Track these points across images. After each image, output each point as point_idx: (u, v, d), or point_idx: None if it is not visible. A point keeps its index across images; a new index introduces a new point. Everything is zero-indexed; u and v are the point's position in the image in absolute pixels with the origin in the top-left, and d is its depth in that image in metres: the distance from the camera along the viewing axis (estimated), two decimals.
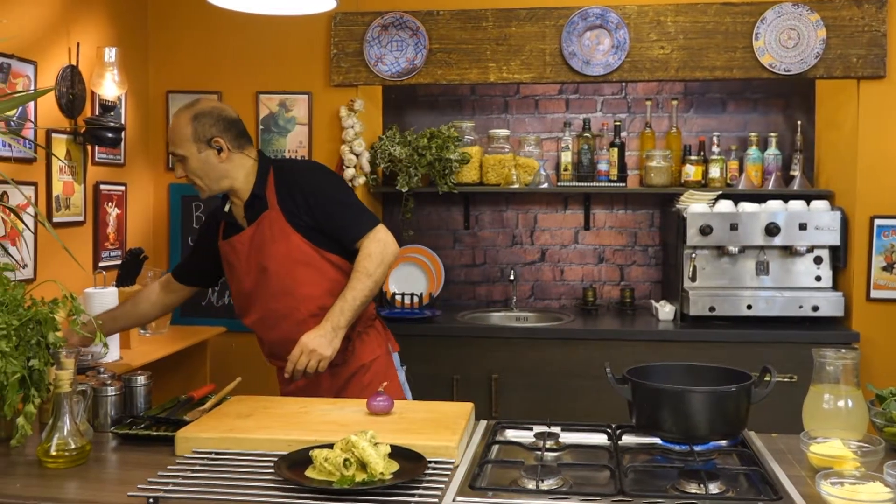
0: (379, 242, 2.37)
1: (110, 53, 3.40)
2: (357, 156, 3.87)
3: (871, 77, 3.62)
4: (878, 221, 3.60)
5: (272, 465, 1.64)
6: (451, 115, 4.34)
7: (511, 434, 1.98)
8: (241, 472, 1.66)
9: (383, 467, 1.58)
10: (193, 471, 1.67)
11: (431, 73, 3.88)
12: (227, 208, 2.52)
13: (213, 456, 1.76)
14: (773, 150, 4.03)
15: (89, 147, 3.46)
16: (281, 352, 2.40)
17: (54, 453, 1.74)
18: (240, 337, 3.93)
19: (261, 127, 3.97)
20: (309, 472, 1.61)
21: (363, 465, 1.59)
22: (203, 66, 4.00)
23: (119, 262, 3.52)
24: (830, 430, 1.76)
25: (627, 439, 1.92)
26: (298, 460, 1.66)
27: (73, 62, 3.33)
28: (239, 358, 3.89)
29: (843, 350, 1.85)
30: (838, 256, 3.67)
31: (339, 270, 2.43)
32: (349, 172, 3.86)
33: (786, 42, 3.65)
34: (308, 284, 2.40)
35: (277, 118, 3.97)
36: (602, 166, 4.10)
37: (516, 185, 4.03)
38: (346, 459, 1.58)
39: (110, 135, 3.39)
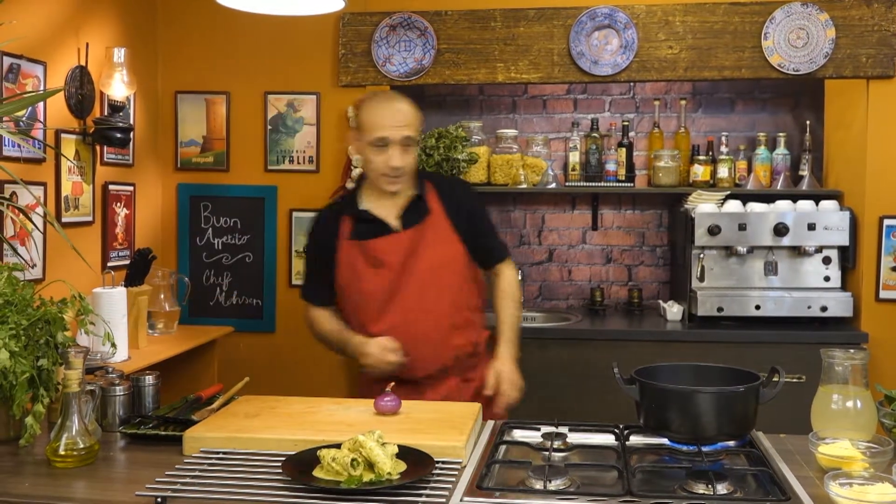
0: (515, 269, 2.63)
1: (119, 54, 3.41)
2: None
3: (881, 77, 3.61)
4: (887, 222, 3.58)
5: (280, 465, 1.64)
6: (459, 115, 4.34)
7: (518, 434, 1.97)
8: (249, 471, 1.67)
9: (391, 467, 1.58)
10: (201, 470, 1.68)
11: (439, 73, 3.88)
12: (362, 206, 2.46)
13: (220, 456, 1.76)
14: (781, 150, 4.02)
15: (98, 147, 3.47)
16: (414, 356, 2.38)
17: (63, 453, 1.75)
18: (248, 337, 3.96)
19: (269, 127, 3.98)
20: (316, 472, 1.61)
21: (371, 465, 1.59)
22: (212, 66, 4.01)
23: (127, 262, 3.53)
24: (839, 430, 1.75)
25: (635, 439, 1.92)
26: (306, 460, 1.66)
27: (83, 62, 3.34)
28: (247, 358, 3.91)
29: (851, 350, 1.84)
30: (847, 257, 3.66)
31: (475, 283, 2.52)
32: (357, 173, 3.85)
33: (795, 42, 3.64)
34: (459, 292, 2.44)
35: (286, 118, 3.98)
36: (610, 166, 4.09)
37: (524, 186, 4.02)
38: (353, 459, 1.58)
39: (119, 135, 3.40)
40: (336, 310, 2.56)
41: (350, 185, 3.86)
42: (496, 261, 2.56)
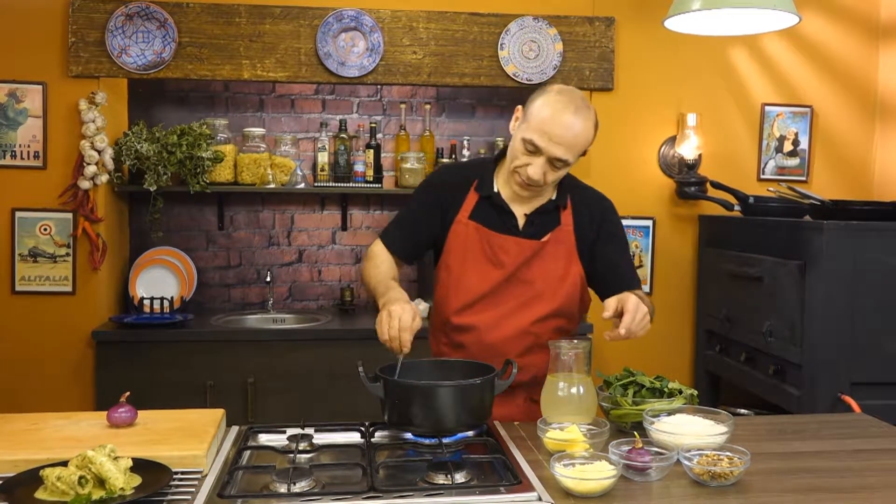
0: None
1: None
2: (99, 152, 3.64)
3: (602, 89, 3.95)
4: None
5: None
6: (204, 112, 4.19)
7: (264, 438, 1.94)
8: None
9: (124, 482, 1.49)
10: None
11: (181, 67, 3.72)
12: (496, 189, 2.20)
13: None
14: None
15: None
16: (498, 351, 2.14)
17: None
18: None
19: None
20: (39, 494, 1.48)
21: (102, 482, 1.49)
22: None
23: None
24: (565, 415, 1.89)
25: (380, 436, 1.95)
26: (27, 482, 1.52)
27: None
28: None
29: (575, 341, 1.99)
30: None
31: (577, 310, 2.26)
32: (90, 170, 3.61)
33: (527, 53, 3.88)
34: (557, 313, 2.19)
35: (6, 109, 3.63)
36: (358, 167, 4.14)
37: (272, 185, 3.97)
38: (81, 477, 1.47)
39: None
40: (400, 262, 2.28)
41: (84, 183, 3.61)
42: (622, 290, 2.13)
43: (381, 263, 2.23)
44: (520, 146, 2.09)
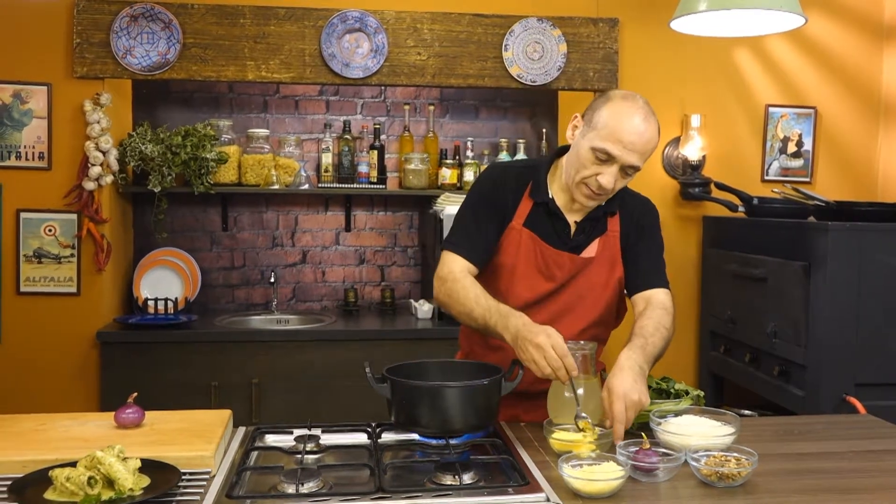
0: (671, 299, 2.15)
1: None
2: (104, 153, 3.64)
3: (606, 90, 3.93)
4: None
5: (5, 490, 1.50)
6: (208, 113, 4.20)
7: (271, 439, 1.94)
8: None
9: (133, 483, 1.50)
10: None
11: (186, 68, 3.73)
12: (550, 195, 2.14)
13: None
14: (521, 156, 4.27)
15: None
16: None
17: None
18: None
19: None
20: (48, 495, 1.49)
21: (111, 483, 1.49)
22: None
23: None
24: (572, 417, 1.89)
25: (387, 437, 1.95)
26: (36, 482, 1.52)
27: None
28: None
29: (582, 342, 2.00)
30: None
31: (613, 316, 2.23)
32: (95, 171, 3.62)
33: (532, 54, 3.89)
34: (597, 320, 2.16)
35: (11, 110, 3.64)
36: (362, 168, 4.14)
37: (276, 186, 3.97)
38: (90, 477, 1.48)
39: None
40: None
41: (88, 184, 3.61)
42: (646, 287, 2.14)
43: (471, 284, 2.06)
44: (588, 155, 2.01)
